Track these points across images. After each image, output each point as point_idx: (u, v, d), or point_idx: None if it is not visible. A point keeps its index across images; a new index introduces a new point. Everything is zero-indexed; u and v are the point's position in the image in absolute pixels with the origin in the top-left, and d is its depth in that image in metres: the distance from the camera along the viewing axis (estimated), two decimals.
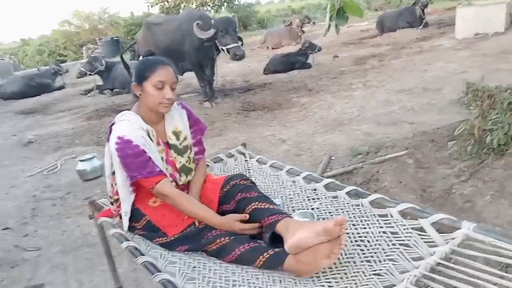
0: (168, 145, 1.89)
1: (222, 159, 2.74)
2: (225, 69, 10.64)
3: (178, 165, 1.89)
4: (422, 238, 1.67)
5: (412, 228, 1.74)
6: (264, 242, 1.67)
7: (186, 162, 1.93)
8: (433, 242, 1.64)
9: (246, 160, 2.75)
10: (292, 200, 2.18)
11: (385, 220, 1.84)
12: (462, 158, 2.88)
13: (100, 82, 9.96)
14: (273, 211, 1.68)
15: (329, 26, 2.60)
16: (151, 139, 1.80)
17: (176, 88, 1.85)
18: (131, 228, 1.89)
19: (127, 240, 1.83)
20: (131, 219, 1.88)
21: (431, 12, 14.18)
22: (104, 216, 2.06)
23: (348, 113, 5.16)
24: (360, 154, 3.64)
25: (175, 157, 1.90)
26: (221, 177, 1.99)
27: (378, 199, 1.97)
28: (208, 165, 2.64)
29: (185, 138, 1.95)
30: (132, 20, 25.40)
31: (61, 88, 11.32)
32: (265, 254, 1.56)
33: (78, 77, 10.36)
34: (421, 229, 1.72)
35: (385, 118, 4.67)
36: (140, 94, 1.82)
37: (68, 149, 5.44)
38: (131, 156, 1.70)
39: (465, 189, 2.58)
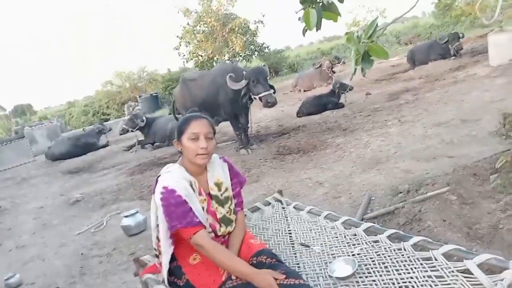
0: (210, 196, 1.98)
1: (260, 208, 2.78)
2: (259, 115, 10.86)
3: (219, 216, 1.96)
4: (468, 281, 1.62)
5: (458, 271, 1.69)
6: None
7: (227, 213, 1.99)
8: (480, 284, 1.58)
9: (283, 208, 2.77)
10: (332, 247, 2.16)
11: (429, 263, 1.80)
12: (507, 191, 2.76)
13: (142, 138, 10.43)
14: (299, 287, 1.65)
15: (355, 71, 2.64)
16: (193, 189, 1.89)
17: (213, 138, 1.95)
18: (174, 285, 1.94)
19: None
20: (173, 276, 1.94)
21: (463, 41, 14.04)
22: (148, 272, 2.13)
23: (384, 150, 5.10)
24: (401, 192, 3.56)
25: (216, 208, 1.97)
26: (256, 245, 2.00)
27: (420, 241, 1.93)
28: (246, 215, 2.69)
29: (226, 189, 2.03)
30: (170, 76, 26.69)
31: (105, 146, 11.92)
32: None
33: (120, 134, 10.93)
34: (467, 271, 1.67)
35: (423, 154, 4.57)
36: (181, 149, 1.94)
37: (113, 205, 5.65)
38: (174, 206, 1.79)
39: None
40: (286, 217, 2.65)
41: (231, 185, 2.08)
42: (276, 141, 7.37)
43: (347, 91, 9.11)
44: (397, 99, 8.43)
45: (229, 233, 2.00)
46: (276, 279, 1.69)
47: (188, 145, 1.88)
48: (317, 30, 2.84)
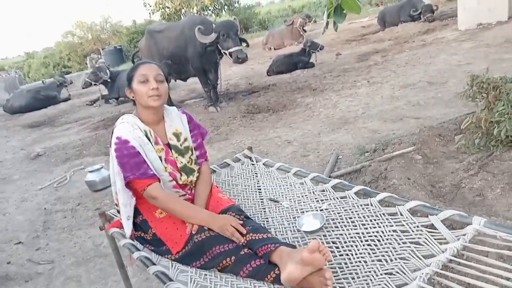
0: (168, 146, 1.93)
1: (229, 164, 2.74)
2: (229, 72, 10.68)
3: (179, 165, 1.93)
4: (432, 236, 1.66)
5: (423, 226, 1.73)
6: None
7: (188, 162, 1.97)
8: (444, 239, 1.63)
9: (253, 164, 2.75)
10: (300, 202, 2.17)
11: (395, 218, 1.83)
12: (470, 152, 2.85)
13: (105, 92, 10.04)
14: (267, 241, 1.65)
15: (327, 24, 2.58)
16: (149, 139, 1.85)
17: (164, 81, 1.89)
18: (140, 239, 1.91)
19: (138, 250, 1.84)
20: (140, 230, 1.91)
21: (433, 3, 14.09)
22: (114, 226, 2.08)
23: (353, 111, 5.14)
24: (367, 152, 3.62)
25: (176, 157, 1.94)
26: (225, 200, 1.99)
27: (387, 197, 1.96)
28: (215, 171, 2.66)
29: (185, 139, 2.00)
30: (135, 28, 25.53)
31: (67, 99, 11.44)
32: (271, 273, 1.55)
33: (83, 88, 10.46)
34: (431, 226, 1.71)
35: (391, 114, 4.64)
36: (133, 97, 1.88)
37: (76, 160, 5.49)
38: (127, 156, 1.76)
39: (475, 183, 2.56)
40: (256, 173, 2.63)
41: (192, 136, 2.05)
42: (246, 99, 7.29)
43: (318, 50, 9.03)
44: (366, 60, 8.45)
45: (191, 182, 1.98)
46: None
47: (139, 88, 1.83)
48: None
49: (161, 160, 1.88)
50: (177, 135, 1.98)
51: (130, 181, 1.79)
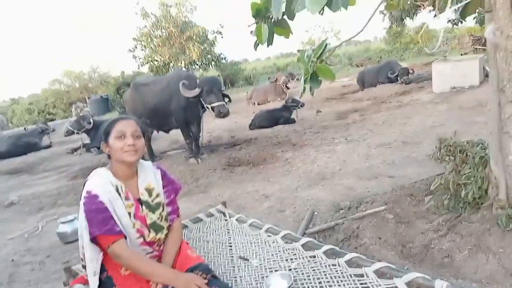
0: (139, 201, 1.93)
1: (202, 219, 2.74)
2: (212, 124, 10.80)
3: (148, 221, 1.92)
4: None
5: None
6: None
7: (158, 219, 1.96)
8: None
9: (226, 220, 2.76)
10: (270, 261, 2.18)
11: (361, 280, 1.85)
12: (440, 212, 2.92)
13: (87, 141, 10.02)
14: None
15: (304, 89, 2.72)
16: (119, 194, 1.85)
17: (141, 137, 1.93)
18: None
19: None
20: (104, 287, 1.87)
21: (410, 67, 14.84)
22: (79, 282, 2.03)
23: (330, 167, 5.24)
24: (342, 209, 3.66)
25: (146, 213, 1.93)
26: (193, 258, 1.98)
27: (354, 258, 1.99)
28: (187, 226, 2.65)
29: (157, 195, 2.00)
30: (123, 78, 26.00)
31: (48, 146, 11.33)
32: None
33: (65, 135, 10.43)
34: None
35: (366, 172, 4.74)
36: (108, 152, 1.90)
37: (50, 210, 5.37)
38: (95, 211, 1.76)
39: (444, 244, 2.60)
40: (228, 229, 2.63)
41: (165, 192, 2.06)
42: (227, 152, 7.35)
43: (299, 107, 9.31)
44: (345, 118, 8.72)
45: (160, 240, 1.97)
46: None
47: (115, 143, 1.86)
48: (268, 45, 2.90)
49: (130, 216, 1.88)
50: (149, 191, 1.99)
51: (95, 237, 1.78)
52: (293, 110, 9.41)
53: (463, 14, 3.03)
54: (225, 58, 25.96)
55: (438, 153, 2.95)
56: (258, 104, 14.62)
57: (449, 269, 2.40)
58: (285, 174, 5.36)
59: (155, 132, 7.82)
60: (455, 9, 3.17)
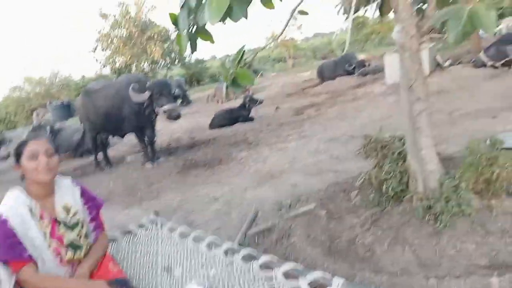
0: (56, 221, 1.94)
1: (131, 231, 2.76)
2: (174, 126, 10.72)
3: (65, 241, 1.94)
4: None
5: None
6: None
7: (77, 236, 1.97)
8: None
9: (157, 230, 2.78)
10: (191, 270, 2.22)
11: (270, 282, 1.92)
12: (367, 207, 3.05)
13: None
14: None
15: (227, 94, 2.78)
16: (32, 214, 1.86)
17: (54, 154, 1.93)
18: None
19: None
20: None
21: (368, 58, 15.18)
22: None
23: (280, 165, 5.35)
24: (284, 207, 3.75)
25: (64, 232, 1.94)
26: (113, 272, 2.03)
27: (267, 261, 2.06)
28: (115, 239, 2.66)
29: (75, 213, 2.01)
30: (84, 82, 25.42)
31: (5, 158, 11.01)
32: None
33: None
34: None
35: (312, 168, 4.86)
36: (22, 173, 1.90)
37: None
38: (2, 237, 1.77)
39: (367, 238, 2.73)
40: (158, 239, 2.66)
41: (87, 209, 2.08)
42: (185, 154, 7.37)
43: (257, 105, 9.40)
44: (302, 114, 8.88)
45: (79, 260, 1.97)
46: None
47: (28, 164, 1.86)
48: (192, 52, 2.94)
49: (46, 236, 1.88)
50: (66, 209, 2.00)
51: (6, 261, 1.79)
52: (252, 108, 9.49)
53: (382, 11, 3.15)
54: (189, 56, 25.84)
55: (363, 149, 3.08)
56: (222, 102, 14.64)
57: (369, 263, 2.52)
58: (237, 174, 5.42)
59: (110, 136, 7.76)
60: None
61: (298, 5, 2.97)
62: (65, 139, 9.46)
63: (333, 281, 1.76)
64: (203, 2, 2.21)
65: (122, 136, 7.72)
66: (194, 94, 20.05)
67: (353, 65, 12.60)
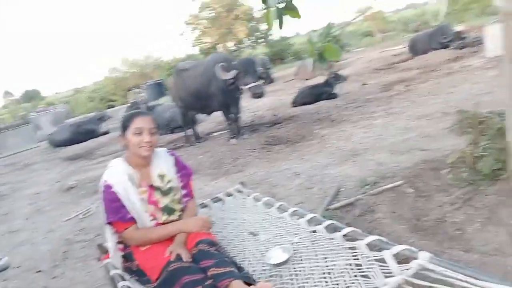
0: (152, 187, 2.15)
1: (221, 199, 2.94)
2: (258, 103, 10.95)
3: (160, 205, 2.14)
4: (381, 269, 1.77)
5: (375, 260, 1.84)
6: None
7: (170, 202, 2.17)
8: (391, 272, 1.73)
9: (243, 198, 2.93)
10: (276, 236, 2.33)
11: (353, 252, 1.95)
12: (459, 186, 2.88)
13: None
14: (226, 275, 1.82)
15: (313, 68, 2.78)
16: (133, 182, 2.08)
17: (156, 133, 2.12)
18: (127, 269, 2.14)
19: (124, 280, 2.06)
20: (128, 261, 2.14)
21: (466, 30, 13.93)
22: (108, 258, 2.32)
23: (364, 142, 5.21)
24: (368, 184, 3.69)
25: (159, 198, 2.15)
26: (202, 233, 2.11)
27: (351, 232, 2.08)
28: (207, 205, 2.87)
29: (169, 181, 2.21)
30: (175, 62, 26.83)
31: (106, 133, 12.18)
32: None
33: None
34: (382, 260, 1.81)
35: (400, 146, 4.67)
36: (125, 143, 2.11)
37: None
38: (109, 201, 2.02)
39: (457, 217, 2.59)
40: (245, 207, 2.81)
41: (179, 177, 2.26)
42: (268, 131, 7.50)
43: (341, 82, 9.19)
44: (389, 90, 8.48)
45: (172, 221, 2.17)
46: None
47: (133, 139, 2.07)
48: (280, 29, 2.97)
49: (143, 202, 2.10)
50: (161, 177, 2.20)
51: (110, 222, 2.05)
52: (336, 85, 9.30)
53: None
54: (272, 34, 25.88)
55: (456, 125, 2.89)
56: (306, 79, 14.51)
57: (459, 241, 2.41)
58: (319, 152, 5.41)
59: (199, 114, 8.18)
60: None
61: None
62: (159, 115, 10.16)
63: (419, 254, 1.73)
64: None
65: (209, 114, 8.09)
66: (277, 72, 20.14)
67: (449, 38, 11.63)
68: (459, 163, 2.97)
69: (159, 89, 21.89)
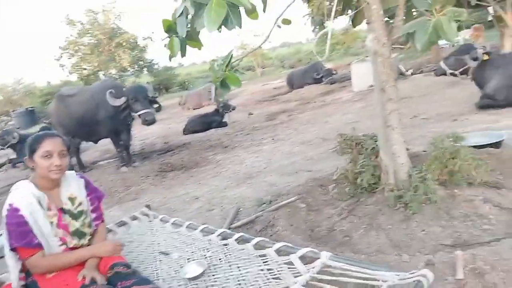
0: (62, 210, 2.07)
1: (126, 223, 2.90)
2: (146, 132, 10.75)
3: (71, 229, 2.07)
4: (290, 271, 1.98)
5: (284, 263, 2.05)
6: None
7: (81, 226, 2.11)
8: (298, 272, 1.95)
9: (150, 221, 2.94)
10: (189, 252, 2.41)
11: (264, 259, 2.14)
12: (343, 199, 3.32)
13: (14, 155, 9.58)
14: None
15: (215, 94, 2.99)
16: (41, 205, 1.98)
17: (66, 155, 2.06)
18: None
19: None
20: None
21: (335, 67, 15.77)
22: None
23: (256, 166, 5.57)
24: (264, 203, 3.97)
25: (69, 222, 2.08)
26: (113, 257, 2.10)
27: (260, 241, 2.28)
28: (111, 230, 2.80)
29: (80, 204, 2.15)
30: (49, 89, 24.78)
31: None
32: None
33: None
34: (290, 263, 2.03)
35: (288, 169, 5.12)
36: (32, 166, 2.01)
37: None
38: (15, 225, 1.90)
39: (344, 226, 2.99)
40: (152, 229, 2.82)
41: (89, 200, 2.21)
42: (160, 158, 7.46)
43: (230, 111, 9.62)
44: (274, 119, 9.18)
45: (82, 246, 2.10)
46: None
47: (41, 162, 1.97)
48: (182, 57, 3.13)
49: (52, 226, 2.00)
50: (72, 200, 2.13)
51: (15, 248, 1.92)
52: (225, 114, 9.70)
53: (353, 23, 3.45)
54: (157, 64, 25.75)
55: (338, 147, 3.36)
56: (193, 109, 14.72)
57: (348, 246, 2.78)
58: (215, 176, 5.60)
59: (83, 142, 7.74)
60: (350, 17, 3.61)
61: (282, 14, 3.24)
62: None
63: (321, 254, 2.00)
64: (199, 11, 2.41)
65: (96, 142, 7.73)
66: (163, 101, 19.89)
67: (321, 74, 13.08)
68: (342, 179, 3.42)
69: (31, 116, 19.95)
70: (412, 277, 1.66)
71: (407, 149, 3.22)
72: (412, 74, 10.78)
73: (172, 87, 26.84)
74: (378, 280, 1.74)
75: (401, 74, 10.90)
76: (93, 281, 1.91)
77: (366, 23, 3.05)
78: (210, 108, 11.74)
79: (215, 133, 8.98)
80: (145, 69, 25.47)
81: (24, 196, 1.96)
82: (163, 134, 10.27)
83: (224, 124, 9.52)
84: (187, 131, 9.53)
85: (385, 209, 3.00)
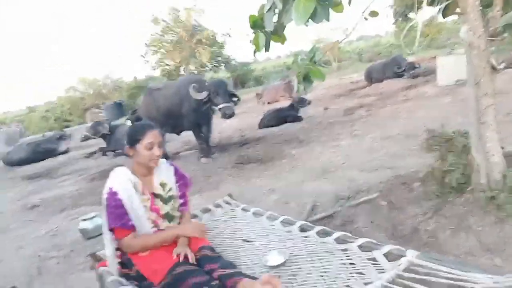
0: (154, 195, 2.25)
1: (210, 209, 3.05)
2: (223, 125, 11.11)
3: (162, 212, 2.25)
4: (374, 266, 1.95)
5: (368, 259, 2.02)
6: None
7: (171, 210, 2.29)
8: (383, 269, 1.91)
9: (232, 209, 3.05)
10: (270, 241, 2.46)
11: (346, 253, 2.12)
12: (429, 198, 3.16)
13: (103, 145, 10.45)
14: (234, 275, 1.94)
15: (298, 88, 3.01)
16: (136, 189, 2.17)
17: (163, 145, 2.24)
18: (126, 276, 2.19)
19: (123, 285, 2.10)
20: (126, 267, 2.19)
21: (417, 61, 14.94)
22: (103, 265, 2.34)
23: (334, 161, 5.50)
24: (342, 199, 3.92)
25: (161, 205, 2.26)
26: (200, 240, 2.26)
27: (341, 236, 2.26)
28: (196, 216, 2.96)
29: (170, 189, 2.33)
30: (135, 83, 26.58)
31: (65, 152, 11.81)
32: None
33: (82, 141, 10.91)
34: (374, 259, 2.00)
35: (368, 165, 4.98)
36: (132, 154, 2.20)
37: (72, 210, 5.74)
38: (113, 207, 2.09)
39: (430, 226, 2.85)
40: (235, 217, 2.93)
41: (177, 186, 2.38)
42: (237, 150, 7.65)
43: (305, 106, 9.57)
44: (352, 114, 8.95)
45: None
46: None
47: (144, 152, 2.17)
48: (266, 51, 3.19)
49: (146, 209, 2.19)
50: (163, 185, 2.32)
51: (112, 228, 2.12)
52: (300, 109, 9.67)
53: (444, 14, 3.25)
54: (234, 60, 26.39)
55: (425, 143, 3.20)
56: (268, 103, 14.87)
57: (433, 247, 2.65)
58: (291, 170, 5.63)
59: (167, 134, 8.20)
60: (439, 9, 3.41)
61: (369, 6, 3.15)
62: (123, 135, 10.03)
63: (407, 252, 1.93)
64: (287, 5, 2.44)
65: (179, 133, 8.15)
66: (239, 96, 20.39)
67: (403, 67, 12.48)
68: (428, 178, 3.26)
69: (119, 109, 21.58)
70: (508, 281, 1.55)
71: (502, 148, 2.98)
72: (504, 68, 9.84)
73: (248, 82, 27.35)
74: (470, 282, 1.64)
75: (493, 68, 10.00)
76: (185, 261, 2.05)
77: (458, 14, 2.86)
78: (285, 103, 11.80)
79: (290, 127, 8.99)
80: (222, 64, 26.23)
81: (122, 181, 2.15)
82: (240, 127, 10.51)
83: (299, 119, 9.49)
84: (262, 125, 9.65)
85: (475, 210, 2.81)
